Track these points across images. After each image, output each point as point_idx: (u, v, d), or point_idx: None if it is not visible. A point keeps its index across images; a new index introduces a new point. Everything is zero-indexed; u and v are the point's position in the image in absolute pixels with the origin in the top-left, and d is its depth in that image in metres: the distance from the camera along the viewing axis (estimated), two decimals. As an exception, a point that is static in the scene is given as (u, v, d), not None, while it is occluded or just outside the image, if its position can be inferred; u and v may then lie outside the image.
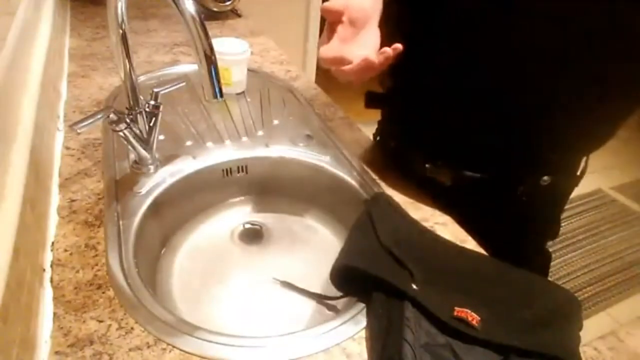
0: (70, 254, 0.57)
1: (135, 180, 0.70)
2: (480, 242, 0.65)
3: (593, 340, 0.51)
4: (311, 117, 0.92)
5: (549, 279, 0.70)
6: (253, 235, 0.78)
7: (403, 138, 0.80)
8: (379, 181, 0.75)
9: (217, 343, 0.48)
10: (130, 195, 0.67)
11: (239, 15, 1.45)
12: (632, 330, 0.52)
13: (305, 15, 2.24)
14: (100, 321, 0.49)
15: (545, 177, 0.68)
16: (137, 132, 0.68)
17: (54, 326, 0.48)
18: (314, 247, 0.78)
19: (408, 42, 0.56)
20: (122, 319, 0.50)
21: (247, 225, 0.80)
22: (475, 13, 0.59)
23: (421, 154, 0.74)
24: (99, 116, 0.61)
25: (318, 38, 2.21)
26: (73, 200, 0.65)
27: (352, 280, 0.55)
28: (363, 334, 0.51)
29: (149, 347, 0.47)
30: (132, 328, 0.49)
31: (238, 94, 0.98)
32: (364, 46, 0.59)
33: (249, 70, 0.99)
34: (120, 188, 0.68)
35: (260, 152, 0.81)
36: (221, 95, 0.54)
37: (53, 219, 0.62)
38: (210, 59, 0.52)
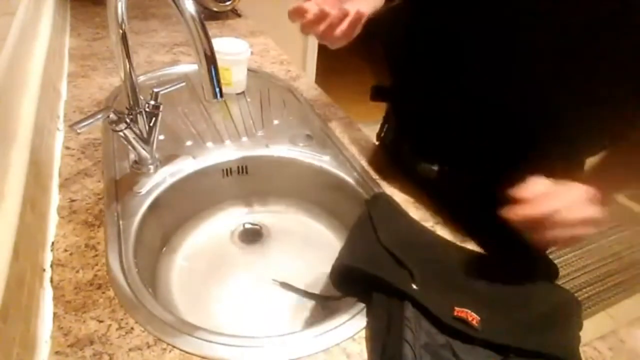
0: (70, 254, 0.57)
1: (135, 180, 0.70)
2: (479, 242, 0.65)
3: (593, 340, 0.51)
4: (311, 117, 0.92)
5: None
6: (253, 235, 0.78)
7: (400, 130, 0.80)
8: (379, 181, 0.75)
9: (217, 343, 0.48)
10: (130, 195, 0.67)
11: (239, 15, 1.45)
12: (632, 330, 0.52)
13: (305, 15, 2.23)
14: (100, 321, 0.49)
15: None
16: (137, 132, 0.68)
17: (54, 326, 0.48)
18: (314, 247, 0.77)
19: (407, 39, 0.56)
20: (122, 319, 0.50)
21: (247, 225, 0.80)
22: (467, 11, 0.60)
23: (415, 146, 0.75)
24: (99, 116, 0.61)
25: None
26: (73, 200, 0.65)
27: (352, 280, 0.55)
28: (363, 334, 0.51)
29: (149, 347, 0.47)
30: (132, 328, 0.49)
31: (238, 94, 0.98)
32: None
33: (249, 70, 0.99)
34: (120, 188, 0.68)
35: (260, 152, 0.81)
36: (221, 95, 0.54)
37: (53, 219, 0.62)
38: (210, 59, 0.52)
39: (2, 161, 0.51)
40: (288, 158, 0.81)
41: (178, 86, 0.73)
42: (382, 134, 0.89)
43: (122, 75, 0.65)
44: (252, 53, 1.03)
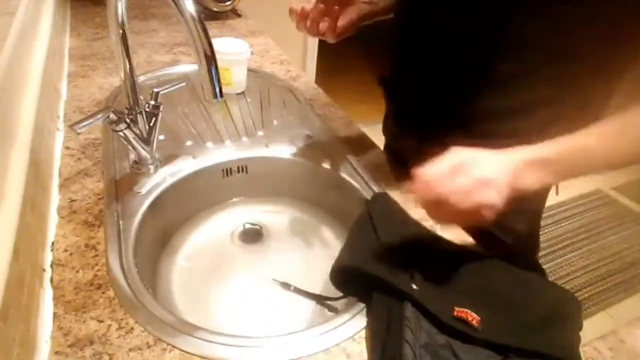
0: (70, 254, 0.57)
1: (135, 180, 0.70)
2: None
3: (593, 340, 0.51)
4: (311, 117, 0.92)
5: (549, 279, 0.69)
6: (253, 235, 0.78)
7: (399, 117, 0.82)
8: (379, 181, 0.75)
9: (217, 343, 0.48)
10: (130, 195, 0.67)
11: (239, 15, 1.45)
12: (632, 330, 0.52)
13: (305, 15, 2.23)
14: (100, 321, 0.49)
15: None
16: (137, 132, 0.68)
17: (54, 326, 0.48)
18: (314, 247, 0.77)
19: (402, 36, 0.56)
20: (122, 319, 0.50)
21: (247, 225, 0.80)
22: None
23: (414, 129, 0.76)
24: (99, 116, 0.61)
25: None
26: (73, 200, 0.65)
27: (352, 280, 0.55)
28: (363, 334, 0.51)
29: (149, 347, 0.47)
30: (132, 328, 0.49)
31: (238, 94, 0.98)
32: None
33: (249, 70, 0.99)
34: (120, 188, 0.68)
35: (260, 152, 0.81)
36: (221, 95, 0.54)
37: (53, 219, 0.62)
38: (210, 59, 0.52)
39: (2, 161, 0.51)
40: (288, 158, 0.81)
41: (178, 86, 0.73)
42: (384, 126, 0.90)
43: (122, 75, 0.65)
44: (252, 53, 1.03)
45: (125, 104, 0.68)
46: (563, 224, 2.06)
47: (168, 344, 0.48)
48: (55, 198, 0.65)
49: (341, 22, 0.72)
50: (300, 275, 0.70)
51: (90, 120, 0.60)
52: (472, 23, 0.61)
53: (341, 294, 0.57)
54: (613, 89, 0.59)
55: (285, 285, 0.68)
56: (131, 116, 0.67)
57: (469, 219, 0.49)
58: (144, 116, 0.69)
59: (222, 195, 0.82)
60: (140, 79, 0.96)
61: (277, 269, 0.71)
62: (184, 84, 0.74)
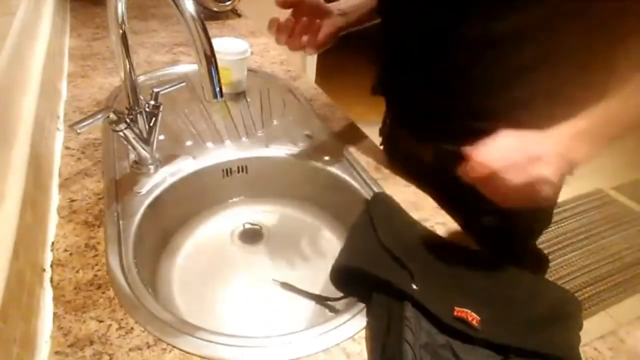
0: (70, 254, 0.57)
1: (135, 180, 0.70)
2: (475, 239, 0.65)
3: (593, 340, 0.51)
4: (311, 117, 0.92)
5: (549, 279, 0.69)
6: (253, 235, 0.78)
7: (397, 117, 0.83)
8: (379, 181, 0.75)
9: (217, 343, 0.48)
10: (130, 195, 0.67)
11: (239, 15, 1.45)
12: (632, 330, 0.52)
13: (305, 15, 2.23)
14: (100, 321, 0.49)
15: None
16: (137, 132, 0.68)
17: (54, 326, 0.48)
18: (314, 247, 0.77)
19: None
20: (122, 319, 0.50)
21: (247, 225, 0.80)
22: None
23: (411, 128, 0.77)
24: (99, 116, 0.61)
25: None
26: (73, 200, 0.65)
27: (352, 281, 0.55)
28: (363, 334, 0.51)
29: (149, 347, 0.47)
30: (132, 328, 0.49)
31: (238, 94, 0.98)
32: None
33: (249, 70, 0.99)
34: (120, 188, 0.68)
35: (260, 152, 0.81)
36: (221, 95, 0.54)
37: (53, 219, 0.62)
38: (210, 59, 0.52)
39: (2, 161, 0.51)
40: (288, 158, 0.81)
41: (178, 86, 0.73)
42: (382, 126, 0.90)
43: (122, 75, 0.65)
44: (252, 53, 1.03)
45: (125, 104, 0.68)
46: (563, 224, 2.06)
47: (168, 344, 0.48)
48: (55, 198, 0.65)
49: (321, 35, 0.74)
50: (300, 275, 0.70)
51: (90, 120, 0.60)
52: (458, 19, 0.61)
53: (341, 294, 0.57)
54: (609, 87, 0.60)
55: (285, 285, 0.68)
56: (131, 116, 0.67)
57: (525, 195, 0.51)
58: (144, 116, 0.69)
59: (222, 195, 0.82)
60: (140, 79, 0.96)
61: (277, 269, 0.72)
62: (184, 84, 0.74)
